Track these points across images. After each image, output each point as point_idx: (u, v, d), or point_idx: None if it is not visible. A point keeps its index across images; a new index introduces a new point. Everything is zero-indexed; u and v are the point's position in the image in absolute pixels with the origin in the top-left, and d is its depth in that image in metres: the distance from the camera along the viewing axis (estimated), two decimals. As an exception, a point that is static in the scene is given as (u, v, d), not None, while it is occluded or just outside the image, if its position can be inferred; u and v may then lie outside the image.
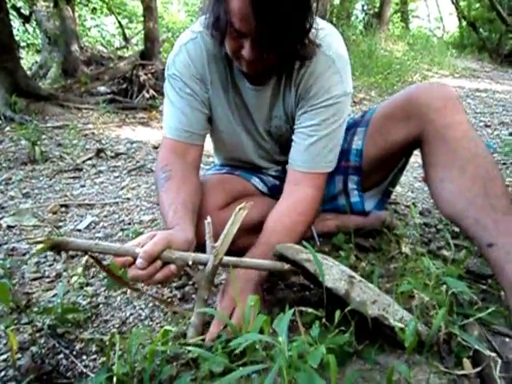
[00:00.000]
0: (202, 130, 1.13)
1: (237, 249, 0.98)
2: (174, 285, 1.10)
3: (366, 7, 10.21)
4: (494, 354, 0.77)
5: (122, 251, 0.77)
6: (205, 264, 0.84)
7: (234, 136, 1.20)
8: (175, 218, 0.91)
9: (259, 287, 0.95)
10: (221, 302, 0.91)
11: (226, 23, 0.87)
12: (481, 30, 9.32)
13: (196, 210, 1.02)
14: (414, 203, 1.70)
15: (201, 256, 0.83)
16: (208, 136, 1.23)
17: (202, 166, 2.33)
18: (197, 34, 1.07)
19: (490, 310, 0.83)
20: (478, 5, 9.85)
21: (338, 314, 0.76)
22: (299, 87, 1.06)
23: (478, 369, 0.76)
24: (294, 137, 1.11)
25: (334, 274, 0.82)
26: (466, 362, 0.78)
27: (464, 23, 10.07)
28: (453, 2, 10.38)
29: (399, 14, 12.59)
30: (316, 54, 0.99)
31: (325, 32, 1.01)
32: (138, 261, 0.75)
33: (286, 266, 0.90)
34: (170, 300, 1.03)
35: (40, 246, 0.72)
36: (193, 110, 1.10)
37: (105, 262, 1.24)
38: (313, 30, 0.93)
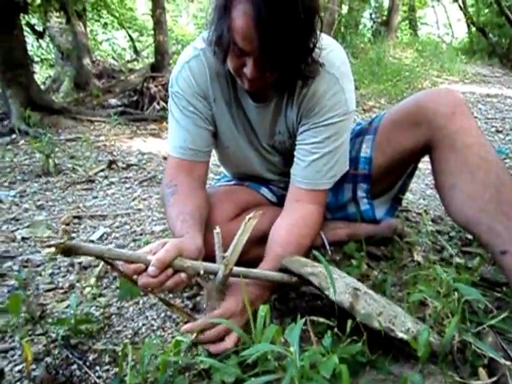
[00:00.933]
0: (207, 146, 1.13)
1: (248, 259, 0.98)
2: (186, 295, 1.10)
3: (374, 15, 10.23)
4: (509, 363, 0.75)
5: (134, 258, 0.78)
6: (215, 274, 0.84)
7: (239, 151, 1.20)
8: (184, 228, 0.92)
9: (269, 294, 0.95)
10: (224, 302, 0.88)
11: (228, 41, 0.87)
12: (490, 35, 9.26)
13: (204, 221, 1.02)
14: (425, 210, 1.69)
15: (212, 265, 0.84)
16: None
17: (212, 175, 2.35)
18: (199, 51, 1.06)
19: (503, 316, 0.82)
20: (486, 10, 9.80)
21: (349, 323, 0.75)
22: (301, 105, 1.06)
23: (494, 378, 0.75)
24: (295, 153, 1.11)
25: (339, 287, 0.82)
26: (482, 372, 0.77)
27: (473, 29, 10.01)
28: (461, 8, 10.35)
29: (407, 22, 12.59)
30: (319, 72, 0.98)
31: (328, 49, 0.99)
32: (150, 268, 0.76)
33: (294, 279, 0.90)
34: (182, 307, 1.03)
35: (52, 251, 0.71)
36: (197, 127, 1.10)
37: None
38: (316, 50, 0.92)
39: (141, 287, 0.78)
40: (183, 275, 0.80)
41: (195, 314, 1.02)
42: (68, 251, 0.74)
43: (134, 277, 0.78)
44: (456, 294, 0.84)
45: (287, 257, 0.93)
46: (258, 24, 0.79)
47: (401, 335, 0.75)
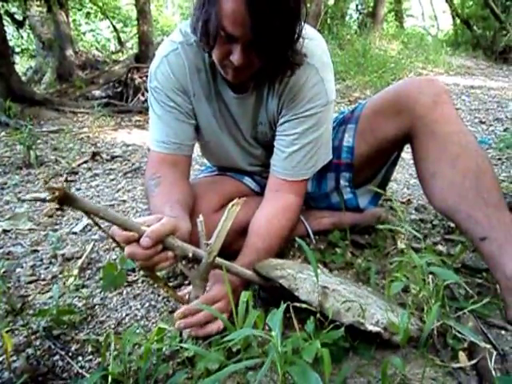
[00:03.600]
0: (190, 140, 1.12)
1: (234, 250, 0.98)
2: (171, 285, 1.09)
3: (360, 7, 10.23)
4: (489, 346, 0.77)
5: (128, 224, 0.76)
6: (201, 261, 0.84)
7: (220, 145, 1.19)
8: (173, 213, 0.89)
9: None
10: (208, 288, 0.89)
11: (216, 27, 0.83)
12: (475, 27, 9.34)
13: (190, 211, 1.01)
14: (409, 199, 1.71)
15: (200, 251, 0.83)
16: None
17: (197, 166, 2.33)
18: (177, 45, 1.04)
19: (484, 302, 0.83)
20: (471, 2, 9.88)
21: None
22: (282, 96, 1.05)
23: (474, 361, 0.76)
24: (275, 143, 1.11)
25: (307, 287, 0.83)
26: (462, 355, 0.79)
27: (458, 21, 10.09)
28: (446, 0, 10.41)
29: (393, 13, 12.62)
30: (303, 61, 0.97)
31: (308, 39, 0.96)
32: (144, 239, 0.74)
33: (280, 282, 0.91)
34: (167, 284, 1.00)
35: (49, 195, 0.69)
36: (178, 122, 1.08)
37: (103, 262, 1.24)
38: (300, 39, 0.90)
39: (127, 256, 0.76)
40: (170, 254, 0.79)
41: (179, 304, 1.01)
42: (64, 200, 0.70)
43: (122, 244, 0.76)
44: (437, 280, 0.85)
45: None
46: (250, 6, 0.77)
47: (370, 328, 0.76)
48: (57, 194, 0.68)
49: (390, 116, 1.09)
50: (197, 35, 0.92)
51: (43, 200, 0.72)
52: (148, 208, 1.13)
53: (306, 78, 1.01)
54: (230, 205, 0.82)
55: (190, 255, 0.82)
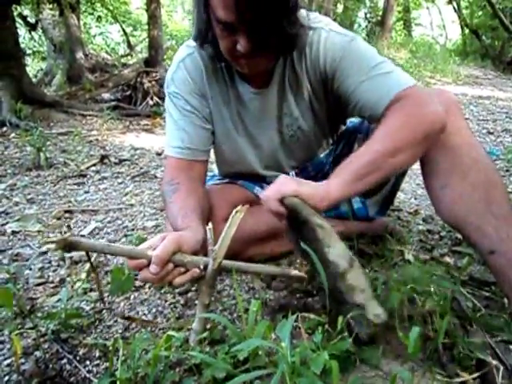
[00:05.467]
0: (205, 145, 1.13)
1: (247, 259, 0.99)
2: (177, 291, 1.10)
3: (368, 15, 10.27)
4: (496, 362, 0.77)
5: (134, 253, 0.78)
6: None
7: (236, 150, 1.20)
8: (185, 222, 0.91)
9: None
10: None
11: (209, 20, 0.89)
12: (483, 37, 9.34)
13: (205, 215, 1.02)
14: (417, 210, 1.70)
15: (208, 260, 0.84)
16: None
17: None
18: (193, 49, 1.07)
19: (491, 315, 0.83)
20: (480, 12, 9.88)
21: (340, 319, 0.76)
22: (308, 71, 1.04)
23: (477, 374, 0.76)
24: (364, 113, 1.01)
25: (340, 248, 0.80)
26: (467, 373, 0.78)
27: (467, 31, 10.10)
28: (455, 10, 10.42)
29: (402, 22, 12.65)
30: (307, 34, 0.98)
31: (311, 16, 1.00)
32: (152, 267, 0.76)
33: (293, 273, 0.90)
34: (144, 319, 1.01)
35: (52, 246, 0.72)
36: (195, 127, 1.10)
37: (110, 265, 1.25)
38: (298, 11, 0.92)
39: (141, 281, 0.78)
40: (190, 273, 0.81)
41: (186, 310, 1.02)
42: (68, 247, 0.74)
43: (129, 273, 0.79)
44: (447, 292, 0.85)
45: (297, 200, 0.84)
46: None
47: (371, 317, 0.76)
48: (61, 244, 0.73)
49: None
50: (201, 39, 0.97)
51: (55, 249, 0.76)
52: (157, 211, 1.13)
53: (318, 38, 1.00)
54: (234, 212, 0.82)
55: (202, 267, 0.83)
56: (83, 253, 1.34)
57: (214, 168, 1.41)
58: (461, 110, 1.05)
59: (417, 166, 1.66)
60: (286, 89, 1.09)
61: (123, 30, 9.63)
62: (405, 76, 0.98)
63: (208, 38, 0.96)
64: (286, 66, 1.06)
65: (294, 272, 0.90)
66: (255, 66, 0.97)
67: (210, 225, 0.86)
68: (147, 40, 5.81)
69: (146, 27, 5.86)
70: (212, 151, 1.30)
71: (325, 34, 1.01)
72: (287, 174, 1.25)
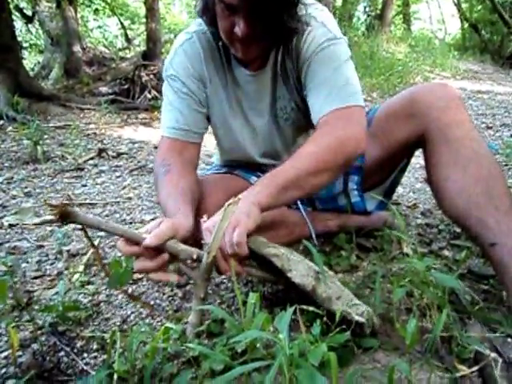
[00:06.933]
0: (199, 128, 1.14)
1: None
2: (176, 284, 1.10)
3: (367, 9, 10.21)
4: (494, 354, 0.77)
5: (129, 234, 0.79)
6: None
7: (232, 134, 1.20)
8: (176, 206, 0.92)
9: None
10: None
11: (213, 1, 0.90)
12: (483, 31, 9.31)
13: (195, 202, 1.02)
14: (415, 204, 1.70)
15: (202, 253, 0.83)
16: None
17: (203, 165, 2.33)
18: (192, 34, 1.10)
19: (489, 307, 0.82)
20: (480, 7, 9.85)
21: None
22: (293, 56, 1.06)
23: (476, 367, 0.76)
24: (308, 100, 1.06)
25: (301, 269, 0.82)
26: (465, 366, 0.78)
27: (466, 25, 10.06)
28: (455, 4, 10.38)
29: (401, 16, 12.59)
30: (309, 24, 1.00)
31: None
32: (147, 240, 0.77)
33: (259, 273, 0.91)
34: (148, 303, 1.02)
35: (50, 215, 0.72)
36: (191, 109, 1.11)
37: (108, 259, 1.24)
38: (298, 6, 0.95)
39: (138, 271, 0.79)
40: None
41: (184, 303, 1.02)
42: (66, 216, 0.74)
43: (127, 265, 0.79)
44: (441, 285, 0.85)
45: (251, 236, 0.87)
46: None
47: (357, 318, 0.77)
48: (58, 211, 0.73)
49: (403, 119, 1.09)
50: (201, 16, 1.00)
51: (51, 221, 0.77)
52: (155, 203, 1.13)
53: (307, 27, 1.01)
54: (226, 204, 0.81)
55: (195, 257, 0.83)
56: (81, 246, 1.34)
57: (212, 160, 1.41)
58: (463, 103, 1.05)
59: (415, 160, 1.66)
60: (277, 72, 1.11)
61: (121, 23, 9.57)
62: (354, 93, 1.01)
63: (210, 13, 0.97)
64: (279, 51, 1.08)
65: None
66: (249, 52, 0.99)
67: (205, 217, 0.85)
68: (145, 33, 5.78)
69: (144, 20, 5.82)
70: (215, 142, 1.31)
71: (314, 23, 1.02)
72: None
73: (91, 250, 1.29)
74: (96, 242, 1.36)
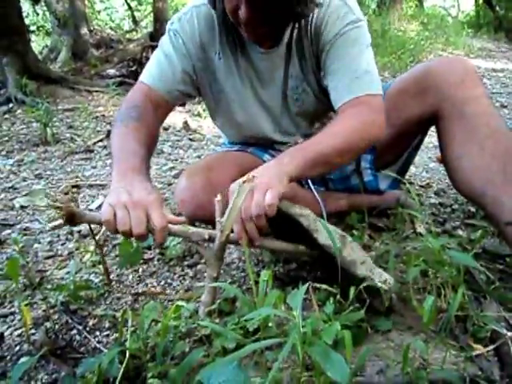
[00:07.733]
0: (182, 91, 1.10)
1: None
2: (186, 263, 1.09)
3: (379, -14, 9.93)
4: (510, 334, 0.75)
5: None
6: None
7: (245, 108, 1.16)
8: (134, 162, 0.88)
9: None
10: None
11: None
12: (497, 8, 9.02)
13: (150, 156, 1.00)
14: (428, 183, 1.67)
15: (214, 232, 0.82)
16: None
17: (212, 147, 2.32)
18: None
19: (506, 286, 0.81)
20: (495, -18, 9.53)
21: (352, 290, 0.75)
22: (312, 34, 1.02)
23: (492, 346, 0.75)
24: (329, 89, 1.05)
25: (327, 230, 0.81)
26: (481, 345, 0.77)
27: (480, 1, 9.76)
28: (469, -20, 10.05)
29: (413, -7, 12.26)
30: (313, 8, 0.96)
31: None
32: (158, 239, 0.78)
33: (301, 248, 0.88)
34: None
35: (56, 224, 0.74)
36: (182, 70, 1.07)
37: (118, 239, 1.24)
38: None
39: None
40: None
41: (195, 282, 1.01)
42: (72, 218, 0.76)
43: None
44: (460, 265, 0.83)
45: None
46: None
47: (380, 285, 0.76)
48: (63, 213, 0.75)
49: (417, 95, 1.05)
50: None
51: (60, 226, 0.78)
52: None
53: (327, 5, 0.99)
54: (241, 181, 0.80)
55: (207, 237, 0.82)
56: (92, 226, 1.34)
57: (221, 141, 1.38)
58: (479, 77, 1.01)
59: (428, 139, 1.62)
60: (292, 50, 1.07)
61: (128, 5, 9.45)
62: (374, 82, 1.00)
63: None
64: (294, 28, 1.04)
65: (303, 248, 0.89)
66: (256, 34, 0.96)
67: (219, 196, 0.83)
68: (152, 13, 5.70)
69: (151, 1, 5.73)
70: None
71: (336, 2, 0.98)
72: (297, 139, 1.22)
73: (102, 230, 1.28)
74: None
